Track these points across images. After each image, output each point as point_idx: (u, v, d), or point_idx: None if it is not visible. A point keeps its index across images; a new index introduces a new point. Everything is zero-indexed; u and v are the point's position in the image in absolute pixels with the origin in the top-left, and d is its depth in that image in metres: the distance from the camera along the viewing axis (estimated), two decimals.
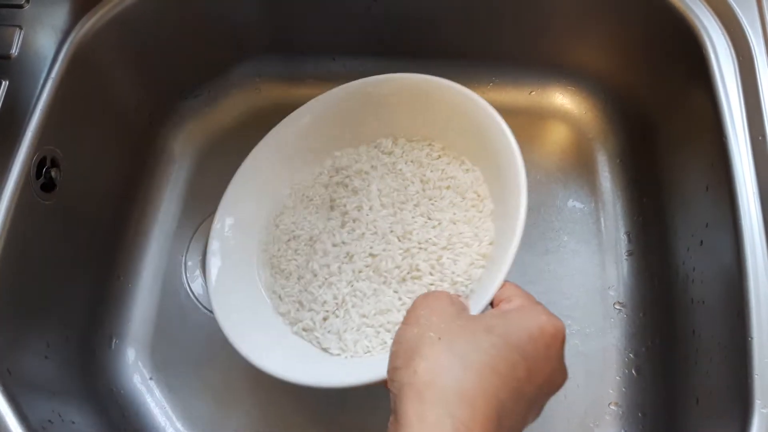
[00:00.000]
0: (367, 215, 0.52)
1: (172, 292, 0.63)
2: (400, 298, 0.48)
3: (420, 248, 0.49)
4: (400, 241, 0.50)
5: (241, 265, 0.54)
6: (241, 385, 0.58)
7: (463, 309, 0.37)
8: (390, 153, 0.55)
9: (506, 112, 0.55)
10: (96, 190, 0.60)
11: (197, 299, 0.62)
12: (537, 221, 0.64)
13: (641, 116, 0.64)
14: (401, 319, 0.44)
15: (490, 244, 0.48)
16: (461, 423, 0.28)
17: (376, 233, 0.51)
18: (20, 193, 0.48)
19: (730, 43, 0.52)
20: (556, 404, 0.56)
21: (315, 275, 0.52)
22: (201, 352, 0.60)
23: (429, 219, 0.50)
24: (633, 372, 0.57)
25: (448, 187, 0.52)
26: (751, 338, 0.42)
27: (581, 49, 0.66)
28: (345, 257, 0.51)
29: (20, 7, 0.54)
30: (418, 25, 0.66)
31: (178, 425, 0.57)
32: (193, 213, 0.66)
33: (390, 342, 0.43)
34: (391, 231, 0.50)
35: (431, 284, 0.47)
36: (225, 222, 0.55)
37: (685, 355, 0.52)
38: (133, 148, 0.65)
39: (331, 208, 0.55)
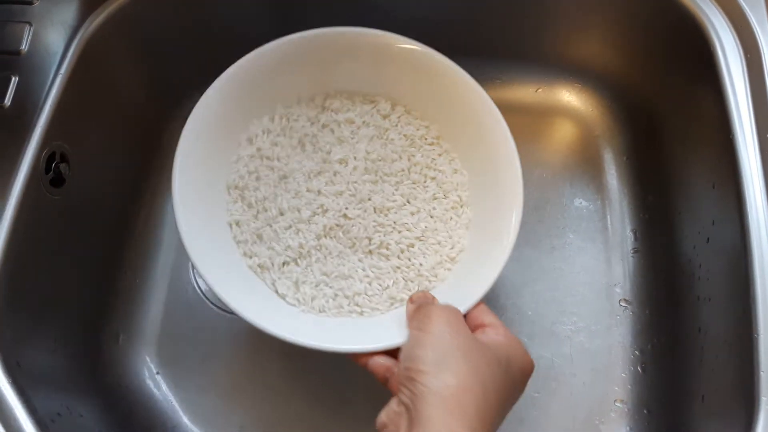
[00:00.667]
0: (351, 174, 0.51)
1: (179, 287, 0.63)
2: (363, 269, 0.48)
3: (394, 228, 0.49)
4: (376, 213, 0.50)
5: (208, 176, 0.49)
6: (247, 380, 0.58)
7: (472, 334, 0.40)
8: (386, 117, 0.53)
9: (513, 109, 0.55)
10: (104, 185, 0.60)
11: (205, 295, 0.62)
12: (543, 218, 0.64)
13: (648, 114, 0.64)
14: (362, 289, 0.48)
15: (461, 251, 0.49)
16: None
17: (353, 195, 0.50)
18: (29, 187, 0.48)
19: (737, 41, 0.52)
20: (561, 401, 0.56)
21: (282, 214, 0.50)
22: (208, 347, 0.60)
23: (408, 202, 0.50)
24: (639, 369, 0.57)
25: (433, 179, 0.52)
26: (757, 335, 0.42)
27: (588, 47, 0.66)
28: (318, 208, 0.50)
29: (30, 3, 0.55)
30: (424, 24, 0.66)
31: (185, 420, 0.57)
32: None
33: (346, 308, 0.47)
34: (369, 199, 0.50)
35: (398, 267, 0.48)
36: (198, 124, 0.49)
37: (690, 353, 0.52)
38: (141, 143, 0.65)
39: (314, 148, 0.52)
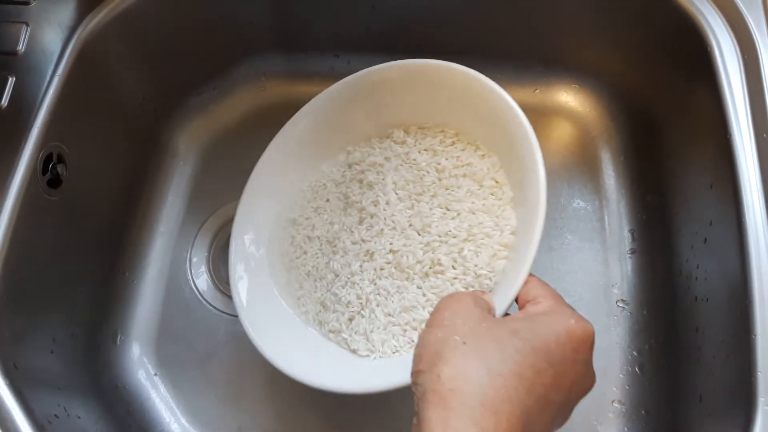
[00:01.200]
0: (384, 210, 0.51)
1: (176, 288, 0.63)
2: (424, 294, 0.47)
3: (441, 242, 0.47)
4: (419, 235, 0.49)
5: (264, 278, 0.54)
6: (245, 380, 0.58)
7: (488, 310, 0.35)
8: (403, 143, 0.54)
9: None
10: (101, 186, 0.60)
11: (202, 295, 0.62)
12: None
13: (645, 114, 0.64)
14: (427, 315, 0.45)
15: (512, 233, 0.46)
16: (485, 429, 0.27)
17: (394, 228, 0.50)
18: (26, 189, 0.48)
19: (735, 41, 0.52)
20: None
21: (337, 275, 0.51)
22: (206, 348, 0.60)
23: (447, 210, 0.49)
24: (636, 370, 0.57)
25: (464, 175, 0.50)
26: (755, 336, 0.42)
27: (585, 47, 0.66)
28: (365, 255, 0.50)
29: (27, 3, 0.54)
30: (422, 23, 0.66)
31: (183, 421, 0.57)
32: (197, 209, 0.67)
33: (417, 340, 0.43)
34: (410, 225, 0.49)
35: (455, 278, 0.46)
36: (244, 239, 0.55)
37: (688, 353, 0.52)
38: (138, 144, 0.65)
39: (347, 205, 0.54)
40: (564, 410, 0.33)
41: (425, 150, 0.53)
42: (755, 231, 0.46)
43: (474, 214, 0.48)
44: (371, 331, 0.48)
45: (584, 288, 0.61)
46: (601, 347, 0.58)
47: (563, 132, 0.69)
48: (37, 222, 0.50)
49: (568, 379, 0.32)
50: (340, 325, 0.50)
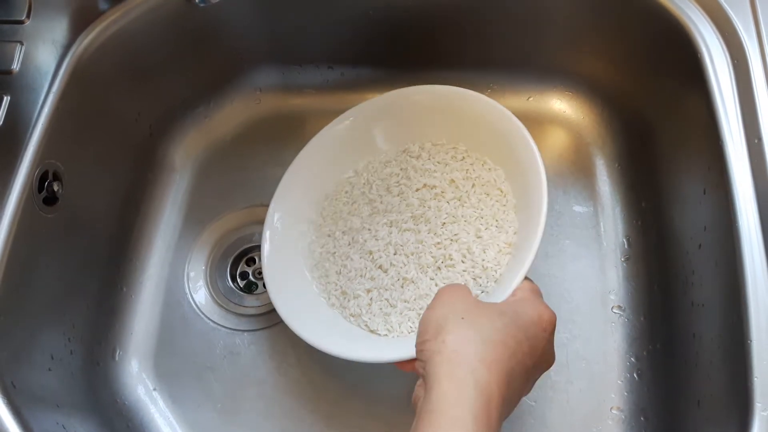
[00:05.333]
0: (401, 213, 0.57)
1: (174, 302, 0.63)
2: (436, 284, 0.53)
3: (452, 240, 0.54)
4: (434, 235, 0.55)
5: (290, 255, 0.59)
6: (244, 394, 0.58)
7: (478, 299, 0.43)
8: (418, 156, 0.60)
9: None
10: (98, 203, 0.60)
11: (200, 309, 0.62)
12: None
13: (639, 120, 0.65)
14: None
15: (515, 233, 0.53)
16: (481, 379, 0.35)
17: (412, 229, 0.56)
18: (23, 206, 0.49)
19: (724, 46, 0.53)
20: (558, 409, 0.56)
21: (361, 266, 0.56)
22: (204, 362, 0.60)
23: (458, 216, 0.55)
24: (634, 376, 0.57)
25: (473, 186, 0.57)
26: (751, 341, 0.43)
27: (578, 55, 0.66)
28: (386, 248, 0.56)
29: (21, 22, 0.55)
30: (416, 33, 0.66)
31: None
32: (194, 224, 0.67)
33: None
34: (427, 226, 0.55)
35: (464, 270, 0.53)
36: (274, 216, 0.60)
37: (685, 359, 0.52)
38: (134, 160, 0.65)
39: (371, 205, 0.59)
40: (532, 378, 0.42)
41: (438, 162, 0.59)
42: (749, 235, 0.46)
43: (482, 218, 0.55)
44: (389, 314, 0.53)
45: (581, 295, 0.61)
46: (599, 354, 0.58)
47: (557, 139, 0.69)
48: (33, 240, 0.50)
49: (539, 350, 0.40)
50: (361, 309, 0.55)
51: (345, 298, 0.56)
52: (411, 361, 0.44)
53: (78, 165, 0.55)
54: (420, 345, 0.39)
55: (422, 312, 0.49)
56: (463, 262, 0.53)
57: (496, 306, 0.41)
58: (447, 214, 0.56)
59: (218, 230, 0.66)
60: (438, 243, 0.54)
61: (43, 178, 0.51)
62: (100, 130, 0.59)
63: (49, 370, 0.52)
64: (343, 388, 0.58)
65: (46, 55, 0.54)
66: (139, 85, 0.63)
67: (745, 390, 0.42)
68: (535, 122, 0.69)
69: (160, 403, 0.59)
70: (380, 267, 0.56)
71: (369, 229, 0.58)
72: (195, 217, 0.67)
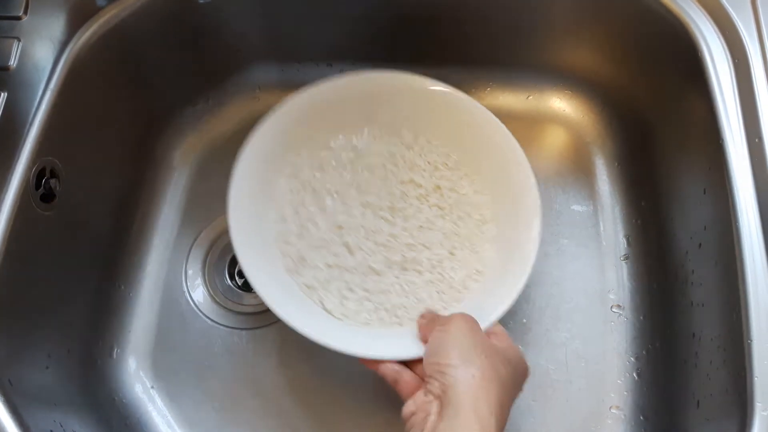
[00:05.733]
0: (383, 198, 0.56)
1: (172, 300, 0.63)
2: (400, 285, 0.53)
3: (424, 247, 0.54)
4: (409, 235, 0.54)
5: (258, 201, 0.55)
6: (242, 393, 0.58)
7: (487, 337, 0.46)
8: (410, 147, 0.58)
9: (504, 116, 0.56)
10: (96, 200, 0.60)
11: (198, 308, 0.62)
12: None
13: (639, 119, 0.64)
14: (400, 302, 0.52)
15: (487, 264, 0.54)
16: (500, 422, 0.39)
17: (387, 220, 0.55)
18: (20, 203, 0.48)
19: (725, 46, 0.53)
20: (557, 409, 0.56)
21: (327, 237, 0.54)
22: (202, 360, 0.60)
23: (436, 225, 0.55)
24: (634, 375, 0.57)
25: (457, 201, 0.56)
26: (751, 340, 0.43)
27: (578, 54, 0.66)
28: (358, 229, 0.54)
29: (18, 18, 0.54)
30: (416, 31, 0.66)
31: None
32: (193, 222, 0.67)
33: (387, 320, 0.52)
34: (404, 224, 0.55)
35: (430, 281, 0.53)
36: (247, 165, 0.55)
37: (685, 358, 0.52)
38: (132, 157, 0.65)
39: (351, 176, 0.57)
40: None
41: (429, 163, 0.58)
42: (749, 234, 0.46)
43: (458, 236, 0.55)
44: (346, 298, 0.52)
45: (580, 294, 0.61)
46: (598, 353, 0.58)
47: (557, 138, 0.69)
48: (31, 237, 0.50)
49: (516, 397, 0.44)
50: (317, 283, 0.53)
51: (302, 265, 0.54)
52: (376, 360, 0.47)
53: (76, 162, 0.55)
54: (442, 366, 0.41)
55: (380, 306, 0.52)
56: (430, 272, 0.53)
57: (502, 351, 0.44)
58: (426, 218, 0.55)
59: (217, 228, 0.66)
60: (410, 244, 0.54)
61: (40, 175, 0.51)
62: (97, 127, 0.59)
63: (47, 368, 0.52)
64: (341, 387, 0.58)
65: (43, 51, 0.54)
66: (138, 82, 0.63)
67: (745, 390, 0.42)
68: (534, 121, 0.69)
69: (158, 401, 0.58)
70: (346, 245, 0.54)
71: (343, 202, 0.56)
72: (193, 215, 0.67)
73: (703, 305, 0.51)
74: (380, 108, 0.58)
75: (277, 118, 0.56)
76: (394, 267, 0.53)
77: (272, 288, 0.50)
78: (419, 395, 0.42)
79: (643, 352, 0.57)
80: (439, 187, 0.57)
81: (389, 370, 0.46)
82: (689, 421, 0.50)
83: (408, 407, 0.42)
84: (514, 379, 0.43)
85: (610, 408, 0.56)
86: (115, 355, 0.60)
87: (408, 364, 0.46)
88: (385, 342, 0.49)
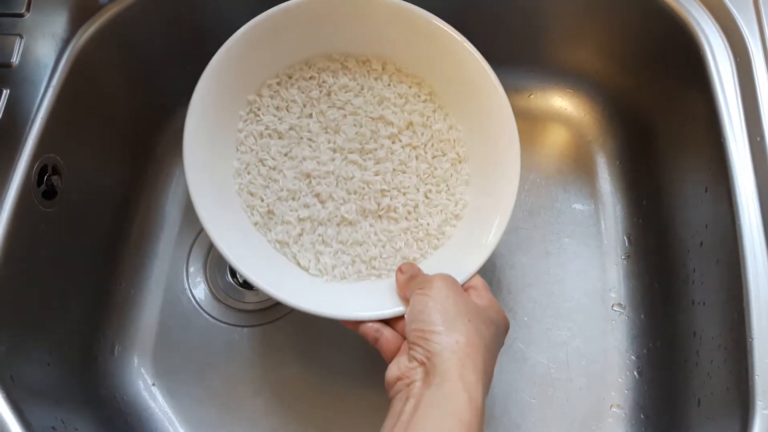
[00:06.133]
0: (352, 139, 0.52)
1: (174, 298, 0.63)
2: (375, 234, 0.51)
3: (399, 192, 0.52)
4: (382, 180, 0.51)
5: (217, 147, 0.50)
6: (243, 390, 0.58)
7: (470, 297, 0.45)
8: (378, 78, 0.54)
9: None
10: (97, 197, 0.60)
11: (199, 305, 0.62)
12: (537, 224, 0.64)
13: (640, 118, 0.64)
14: (377, 253, 0.51)
15: (464, 207, 0.51)
16: (483, 383, 0.39)
17: (358, 164, 0.52)
18: (22, 200, 0.48)
19: (727, 45, 0.53)
20: (558, 407, 0.56)
21: (295, 188, 0.51)
22: (204, 358, 0.60)
23: (410, 167, 0.52)
24: (635, 374, 0.57)
25: (431, 138, 0.53)
26: (752, 339, 0.43)
27: (579, 52, 0.66)
28: (327, 176, 0.51)
29: (20, 16, 0.55)
30: None
31: (181, 431, 0.57)
32: (194, 219, 0.65)
33: (365, 273, 0.50)
34: (376, 167, 0.52)
35: (407, 229, 0.51)
36: (204, 88, 0.49)
37: (686, 357, 0.52)
38: (134, 154, 0.65)
39: (312, 116, 0.53)
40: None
41: (399, 95, 0.53)
42: (750, 233, 0.46)
43: (434, 178, 0.52)
44: (321, 253, 0.50)
45: (581, 292, 0.61)
46: (599, 352, 0.58)
47: (558, 136, 0.69)
48: (32, 234, 0.50)
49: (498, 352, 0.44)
50: (289, 237, 0.51)
51: (272, 220, 0.51)
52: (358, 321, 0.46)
53: (77, 159, 0.55)
54: (426, 333, 0.41)
55: (356, 259, 0.51)
56: (407, 219, 0.51)
57: (483, 312, 0.44)
58: (399, 161, 0.52)
59: None
60: (384, 190, 0.51)
61: (42, 171, 0.51)
62: (99, 124, 0.59)
63: (48, 364, 0.52)
64: (343, 384, 0.58)
65: (45, 48, 0.54)
66: (140, 79, 0.63)
67: (746, 388, 0.42)
68: (536, 120, 0.69)
69: (159, 398, 0.58)
70: (317, 196, 0.51)
71: (310, 145, 0.52)
72: (195, 213, 0.67)
73: (704, 304, 0.51)
74: (345, 32, 0.52)
75: (231, 49, 0.50)
76: (369, 216, 0.51)
77: (240, 248, 0.47)
78: (402, 361, 0.41)
79: (644, 351, 0.57)
80: (411, 124, 0.53)
81: (369, 329, 0.46)
82: (690, 419, 0.50)
83: (392, 372, 0.41)
84: (496, 338, 0.43)
85: (611, 407, 0.56)
86: (116, 352, 0.60)
87: (389, 321, 0.46)
88: (365, 301, 0.47)
